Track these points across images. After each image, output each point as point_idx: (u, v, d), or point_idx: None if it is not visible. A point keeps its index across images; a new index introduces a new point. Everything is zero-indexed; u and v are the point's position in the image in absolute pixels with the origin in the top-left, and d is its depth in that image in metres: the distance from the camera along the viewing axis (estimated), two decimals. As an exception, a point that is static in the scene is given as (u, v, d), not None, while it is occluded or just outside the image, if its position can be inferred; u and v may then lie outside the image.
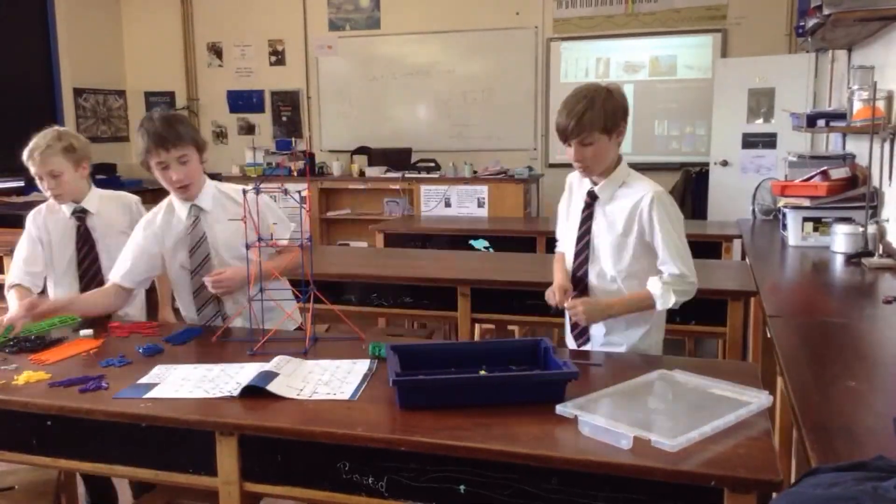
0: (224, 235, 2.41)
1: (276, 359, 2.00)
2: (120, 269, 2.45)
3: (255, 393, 1.80)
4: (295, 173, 6.86)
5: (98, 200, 2.75)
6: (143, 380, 1.95)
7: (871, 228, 3.31)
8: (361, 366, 2.02)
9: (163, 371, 2.01)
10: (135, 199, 2.86)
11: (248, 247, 2.25)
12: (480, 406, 1.69)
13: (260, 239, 2.25)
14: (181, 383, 1.92)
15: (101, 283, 2.64)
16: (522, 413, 1.65)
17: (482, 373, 1.87)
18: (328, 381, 1.91)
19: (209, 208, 2.44)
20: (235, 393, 1.82)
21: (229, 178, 6.81)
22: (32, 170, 2.64)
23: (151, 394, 1.85)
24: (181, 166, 2.33)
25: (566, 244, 2.34)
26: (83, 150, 2.71)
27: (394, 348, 1.92)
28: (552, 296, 2.26)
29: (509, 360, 1.93)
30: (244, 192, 2.24)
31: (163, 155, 2.30)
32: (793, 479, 1.98)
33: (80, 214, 2.69)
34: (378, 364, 2.03)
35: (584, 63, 7.03)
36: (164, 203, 2.51)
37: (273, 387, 1.82)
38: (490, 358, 1.93)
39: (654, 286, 2.16)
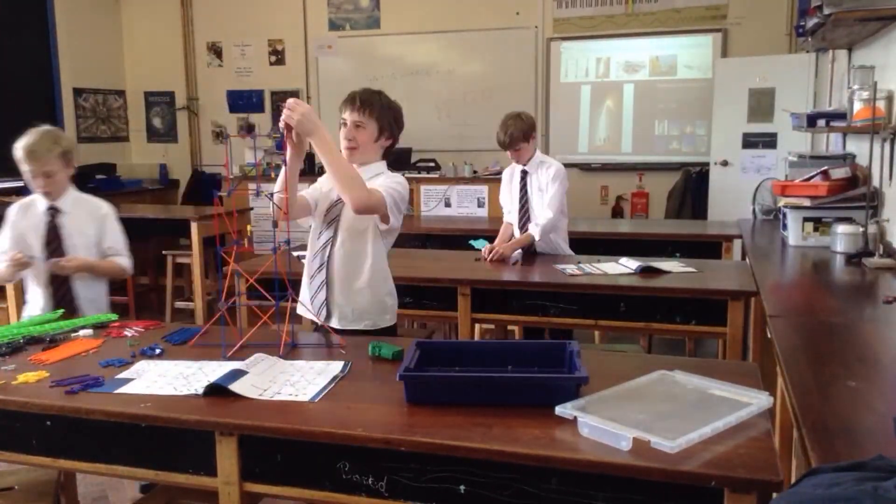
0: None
1: (253, 356, 2.01)
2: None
3: (219, 392, 1.81)
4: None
5: (72, 202, 2.88)
6: (123, 374, 1.98)
7: (872, 228, 3.30)
8: (335, 367, 2.01)
9: (143, 367, 2.04)
10: (107, 208, 2.98)
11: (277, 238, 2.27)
12: (481, 406, 1.69)
13: (238, 242, 2.26)
14: (155, 379, 1.94)
15: (66, 277, 2.80)
16: (522, 413, 1.65)
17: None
18: (296, 381, 1.90)
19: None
20: (201, 391, 1.82)
21: (229, 178, 6.80)
22: (27, 168, 2.75)
23: (123, 389, 1.87)
24: (355, 129, 2.46)
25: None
26: (73, 151, 2.88)
27: (418, 344, 1.94)
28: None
29: (535, 362, 1.91)
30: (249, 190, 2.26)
31: (345, 113, 2.46)
32: (793, 479, 1.98)
33: (52, 211, 2.83)
34: (374, 364, 2.04)
35: (584, 63, 7.02)
36: None
37: (236, 386, 1.83)
38: (516, 359, 1.93)
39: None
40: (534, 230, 3.75)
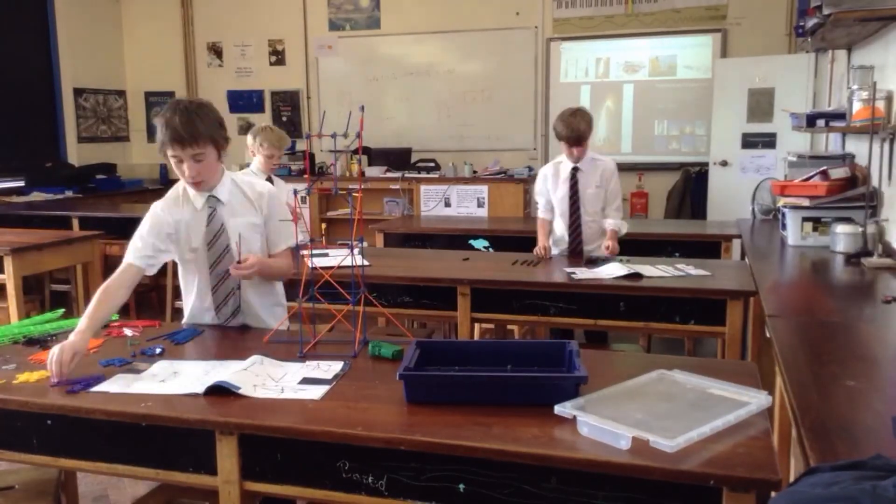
0: (239, 229, 2.37)
1: (251, 358, 2.02)
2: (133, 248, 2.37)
3: (220, 391, 1.82)
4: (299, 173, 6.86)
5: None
6: (130, 374, 2.00)
7: (871, 228, 3.31)
8: (335, 366, 2.01)
9: (158, 368, 2.03)
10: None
11: (297, 247, 2.25)
12: (481, 406, 1.69)
13: (312, 240, 2.25)
14: (164, 378, 1.96)
15: None
16: (522, 413, 1.65)
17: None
18: (294, 386, 1.90)
19: (226, 200, 2.39)
20: (201, 391, 1.84)
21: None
22: None
23: (100, 388, 1.88)
24: (195, 164, 2.27)
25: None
26: None
27: (418, 343, 1.95)
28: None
29: (534, 362, 1.92)
30: (295, 192, 2.23)
31: (177, 150, 2.24)
32: (791, 479, 1.98)
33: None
34: (374, 364, 2.04)
35: (583, 63, 7.03)
36: (179, 187, 2.42)
37: (240, 382, 1.85)
38: (516, 359, 1.93)
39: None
40: (620, 224, 3.77)
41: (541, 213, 3.96)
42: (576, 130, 3.64)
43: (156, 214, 2.39)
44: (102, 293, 2.22)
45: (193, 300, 2.49)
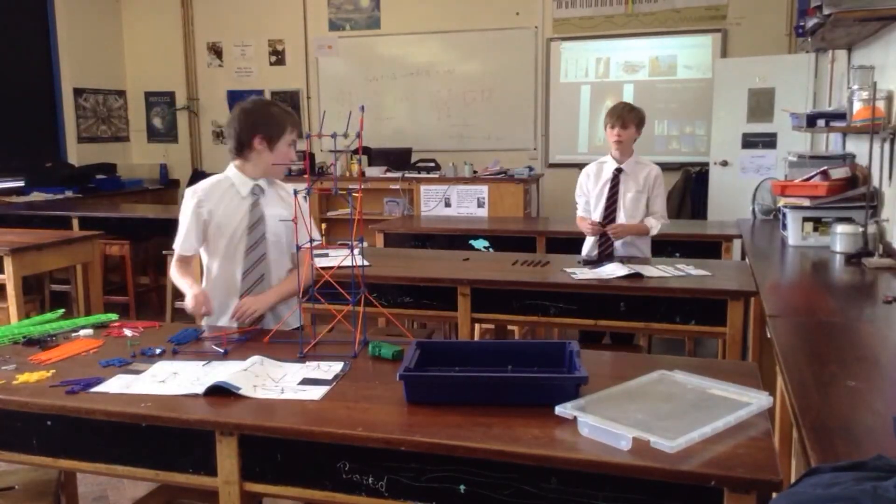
0: (273, 222, 2.51)
1: (251, 358, 2.02)
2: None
3: (220, 392, 1.82)
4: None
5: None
6: (129, 374, 1.99)
7: (871, 228, 3.31)
8: (335, 367, 2.01)
9: (157, 368, 2.02)
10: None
11: (298, 248, 2.26)
12: (481, 406, 1.69)
13: (312, 240, 2.25)
14: (163, 378, 1.95)
15: None
16: (522, 413, 1.65)
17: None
18: (294, 386, 1.90)
19: (266, 188, 2.53)
20: (201, 391, 1.83)
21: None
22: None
23: (100, 388, 1.88)
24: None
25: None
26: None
27: (418, 344, 1.95)
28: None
29: (535, 362, 1.92)
30: (295, 192, 2.24)
31: (295, 133, 2.50)
32: (792, 479, 1.98)
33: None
34: (374, 364, 2.04)
35: (583, 63, 7.03)
36: (221, 176, 2.57)
37: (239, 382, 1.85)
38: (516, 359, 1.93)
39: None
40: (653, 224, 3.72)
41: (580, 213, 3.93)
42: (618, 111, 3.72)
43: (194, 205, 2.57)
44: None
45: (219, 290, 2.56)
